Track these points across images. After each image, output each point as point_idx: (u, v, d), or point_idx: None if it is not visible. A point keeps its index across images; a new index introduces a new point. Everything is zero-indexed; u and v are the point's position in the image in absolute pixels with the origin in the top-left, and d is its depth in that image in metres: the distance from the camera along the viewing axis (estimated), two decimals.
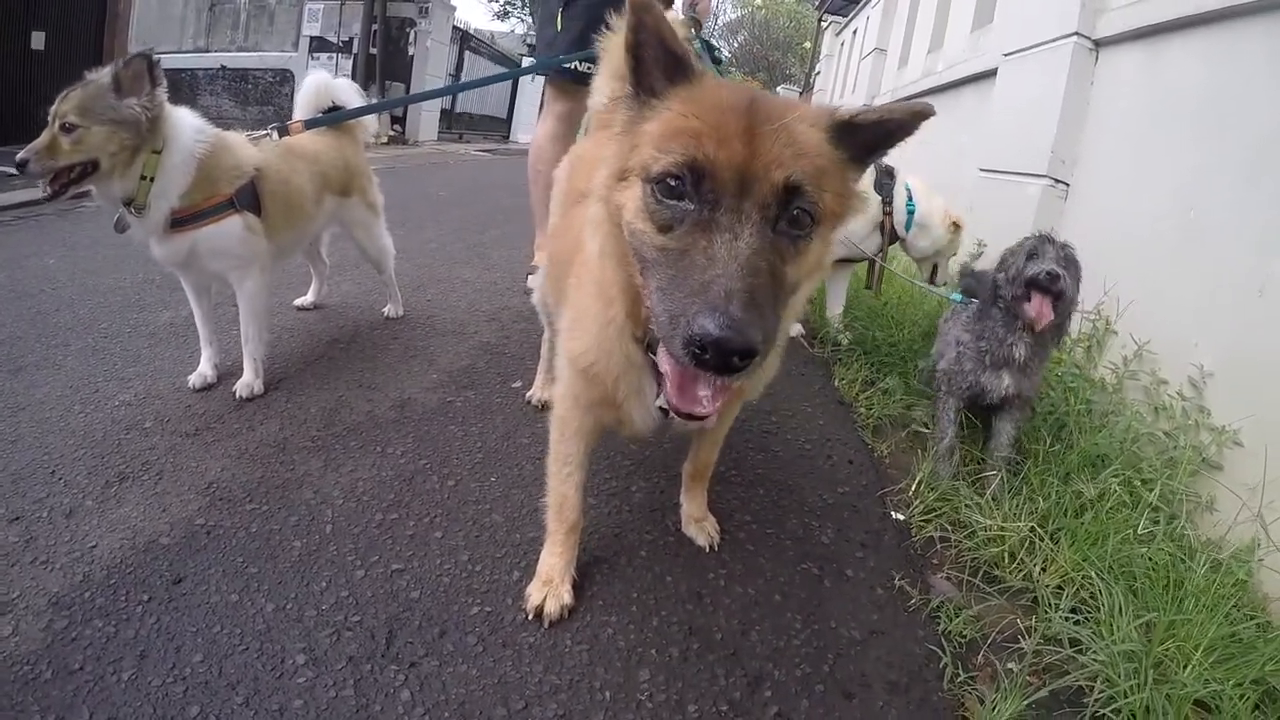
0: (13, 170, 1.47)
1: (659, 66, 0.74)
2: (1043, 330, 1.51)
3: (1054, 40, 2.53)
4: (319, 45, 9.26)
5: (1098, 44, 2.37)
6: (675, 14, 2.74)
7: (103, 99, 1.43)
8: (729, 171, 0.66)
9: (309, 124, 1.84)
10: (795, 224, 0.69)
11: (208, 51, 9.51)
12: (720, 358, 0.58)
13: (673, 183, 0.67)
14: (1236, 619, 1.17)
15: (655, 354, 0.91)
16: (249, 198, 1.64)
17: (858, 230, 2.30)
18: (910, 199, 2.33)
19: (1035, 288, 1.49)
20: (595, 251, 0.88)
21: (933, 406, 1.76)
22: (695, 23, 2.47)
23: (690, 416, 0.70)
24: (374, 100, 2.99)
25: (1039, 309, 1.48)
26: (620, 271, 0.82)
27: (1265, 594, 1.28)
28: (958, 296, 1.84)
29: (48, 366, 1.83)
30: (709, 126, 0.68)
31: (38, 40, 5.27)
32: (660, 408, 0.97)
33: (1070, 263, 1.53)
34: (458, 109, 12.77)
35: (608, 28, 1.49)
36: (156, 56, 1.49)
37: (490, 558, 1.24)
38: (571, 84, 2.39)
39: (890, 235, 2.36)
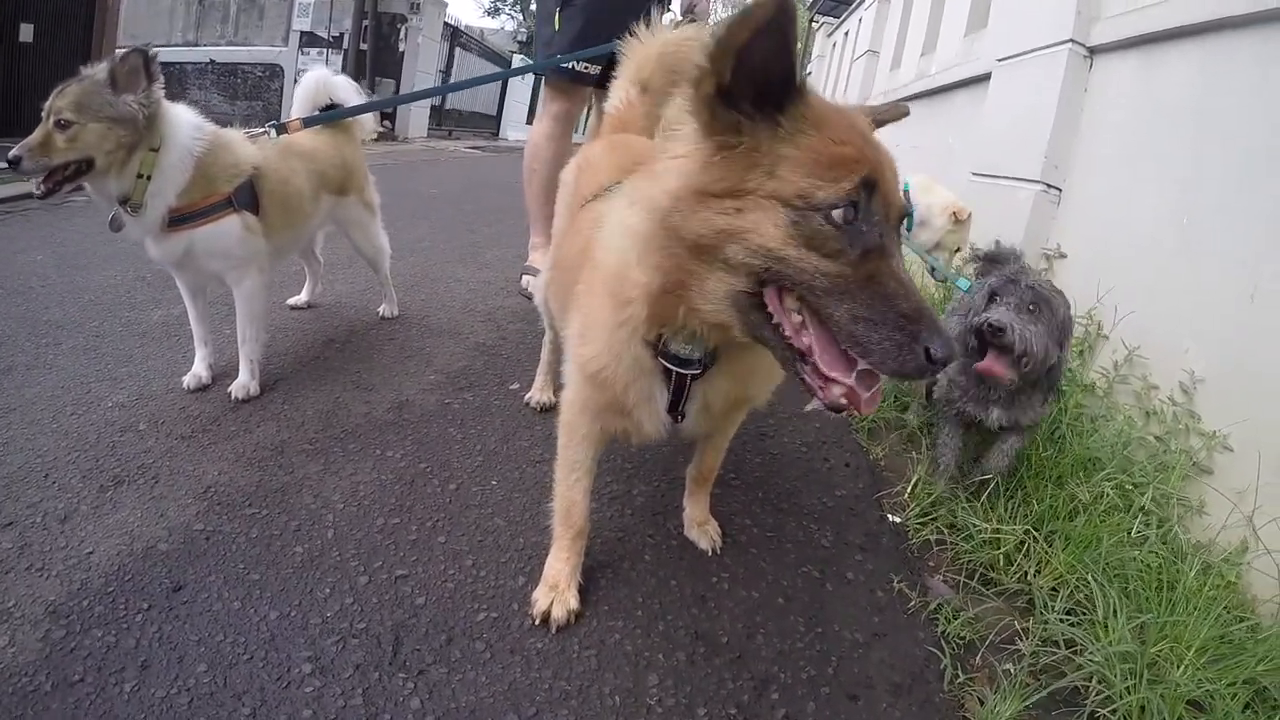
0: (2, 164, 1.44)
1: (757, 80, 0.69)
2: (1007, 379, 1.30)
3: (1048, 47, 2.56)
4: (309, 40, 9.17)
5: (1092, 51, 2.41)
6: (673, 15, 2.73)
7: (99, 95, 1.40)
8: (886, 198, 0.72)
9: (307, 122, 1.82)
10: None
11: (197, 45, 9.38)
12: (940, 369, 0.70)
13: (847, 211, 0.69)
14: (1227, 620, 1.19)
15: (664, 359, 0.92)
16: (247, 197, 1.61)
17: None
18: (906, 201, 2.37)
19: (981, 340, 1.30)
20: (620, 258, 0.86)
21: (935, 426, 1.68)
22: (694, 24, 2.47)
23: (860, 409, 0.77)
24: (372, 97, 2.96)
25: (988, 366, 1.29)
26: (660, 281, 0.80)
27: (1254, 596, 1.31)
28: (964, 284, 1.74)
29: (39, 366, 1.80)
30: (861, 153, 0.71)
31: (26, 33, 5.17)
32: (678, 413, 0.98)
33: (1041, 303, 1.30)
34: (447, 106, 12.72)
35: (609, 30, 1.52)
36: (153, 52, 1.46)
37: (494, 562, 1.24)
38: (569, 84, 2.39)
39: None
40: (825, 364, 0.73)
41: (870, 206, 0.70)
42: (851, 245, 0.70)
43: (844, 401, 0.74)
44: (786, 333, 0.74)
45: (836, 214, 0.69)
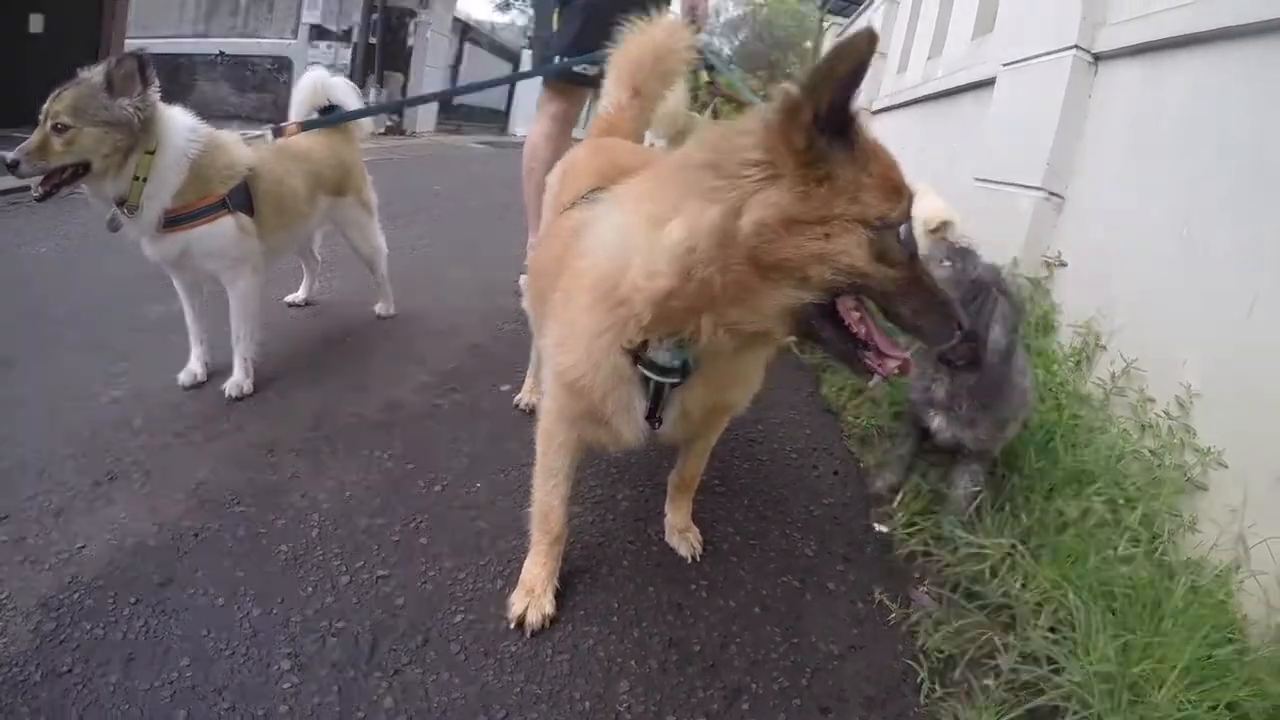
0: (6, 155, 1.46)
1: (839, 109, 0.73)
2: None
3: (1053, 52, 2.53)
4: (318, 33, 9.21)
5: (1097, 58, 2.37)
6: (673, 15, 2.72)
7: (95, 99, 1.42)
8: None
9: (305, 126, 1.83)
10: None
11: (206, 37, 9.45)
12: (963, 332, 0.87)
13: (905, 228, 0.79)
14: (1215, 641, 1.17)
15: (643, 366, 0.92)
16: (242, 198, 1.63)
17: None
18: None
19: None
20: (614, 264, 0.85)
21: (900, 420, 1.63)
22: (695, 26, 2.45)
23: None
24: (369, 97, 2.97)
25: None
26: (693, 291, 0.80)
27: (1245, 616, 1.29)
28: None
29: (39, 360, 1.83)
30: (903, 178, 0.80)
31: (36, 23, 5.24)
32: (657, 419, 1.00)
33: (956, 258, 1.22)
34: (455, 101, 12.73)
35: (607, 31, 1.53)
36: (148, 55, 1.48)
37: (474, 565, 1.25)
38: (567, 85, 2.39)
39: None
40: (884, 347, 0.87)
41: (910, 223, 0.81)
42: (905, 253, 0.80)
43: (898, 370, 0.87)
44: (853, 329, 0.84)
45: (903, 230, 0.79)
